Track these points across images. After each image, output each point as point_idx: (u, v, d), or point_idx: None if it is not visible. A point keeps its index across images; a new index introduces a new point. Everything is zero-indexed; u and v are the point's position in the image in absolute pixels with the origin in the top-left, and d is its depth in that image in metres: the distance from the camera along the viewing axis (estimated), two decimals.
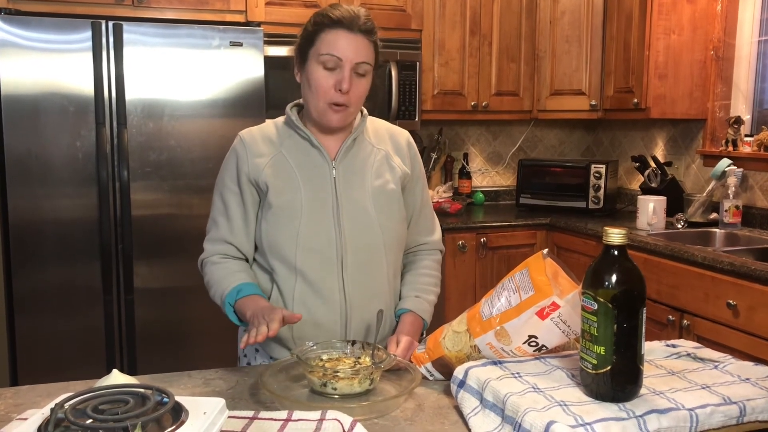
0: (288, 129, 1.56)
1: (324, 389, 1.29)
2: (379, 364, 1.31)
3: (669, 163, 3.49)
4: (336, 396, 1.29)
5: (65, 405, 0.91)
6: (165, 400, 0.95)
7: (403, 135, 1.65)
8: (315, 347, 1.40)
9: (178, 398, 0.97)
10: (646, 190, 3.43)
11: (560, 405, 1.09)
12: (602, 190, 3.52)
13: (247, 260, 1.57)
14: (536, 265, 1.30)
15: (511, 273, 1.35)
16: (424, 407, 1.26)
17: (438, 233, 1.71)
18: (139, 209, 2.73)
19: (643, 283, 1.13)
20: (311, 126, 1.55)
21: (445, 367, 1.38)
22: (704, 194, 3.20)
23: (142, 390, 0.96)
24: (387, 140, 1.61)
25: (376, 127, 1.63)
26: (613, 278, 1.11)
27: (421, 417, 1.22)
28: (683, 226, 3.11)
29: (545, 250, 1.33)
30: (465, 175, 3.94)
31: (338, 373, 1.28)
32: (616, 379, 1.11)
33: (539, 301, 1.25)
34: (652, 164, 3.46)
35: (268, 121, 1.61)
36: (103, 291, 2.73)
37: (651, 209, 3.07)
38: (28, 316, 2.67)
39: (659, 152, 3.68)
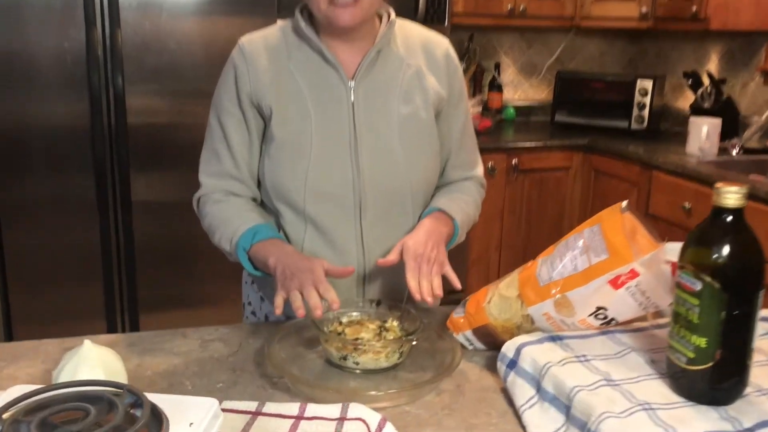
0: (297, 38, 1.26)
1: (344, 363, 1.07)
2: (411, 337, 1.07)
3: (723, 81, 3.15)
4: (358, 371, 1.07)
5: (5, 415, 0.68)
6: (139, 402, 0.72)
7: (441, 45, 1.33)
8: (333, 314, 1.17)
9: (158, 398, 0.74)
10: (696, 110, 3.10)
11: (644, 408, 0.86)
12: (647, 109, 3.20)
13: (254, 200, 1.32)
14: (612, 222, 1.04)
15: (578, 228, 1.09)
16: (464, 389, 1.04)
17: (481, 167, 1.44)
18: (135, 117, 2.46)
19: (763, 257, 0.87)
20: (324, 35, 1.24)
21: (488, 337, 1.14)
22: (763, 117, 2.88)
23: (109, 391, 0.73)
24: (419, 52, 1.30)
25: (407, 34, 1.32)
26: (726, 252, 0.85)
27: (461, 404, 1.00)
28: (738, 152, 2.81)
29: (624, 203, 1.06)
30: (495, 87, 3.60)
31: (361, 346, 1.05)
32: (718, 379, 0.87)
33: (615, 267, 1.00)
34: (706, 81, 3.11)
35: (275, 26, 1.29)
36: (98, 205, 2.51)
37: (704, 133, 2.76)
38: (17, 230, 2.46)
39: (713, 68, 3.32)
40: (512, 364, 1.02)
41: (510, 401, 1.01)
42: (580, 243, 1.05)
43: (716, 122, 2.80)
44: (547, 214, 3.11)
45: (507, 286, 1.12)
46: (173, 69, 2.46)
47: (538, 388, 0.97)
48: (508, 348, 1.04)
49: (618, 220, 1.03)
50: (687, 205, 2.52)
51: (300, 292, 1.07)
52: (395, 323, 1.16)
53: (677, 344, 0.90)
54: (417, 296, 1.12)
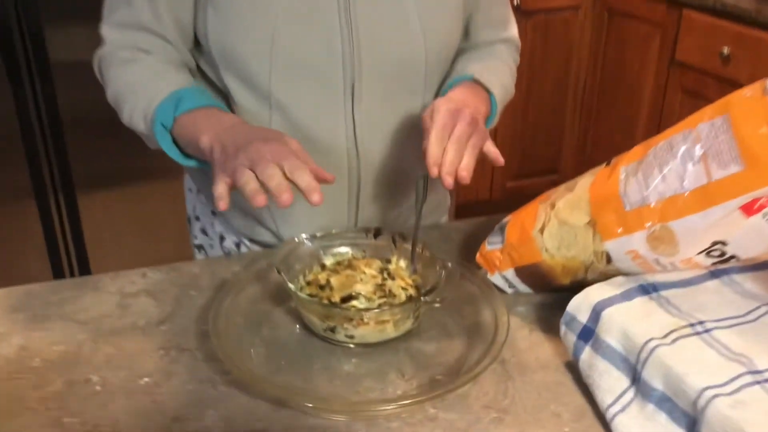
0: None
1: (331, 335, 0.72)
2: (428, 297, 0.71)
3: None
4: (352, 345, 0.72)
5: None
6: None
7: None
8: (311, 243, 0.79)
9: None
10: None
11: None
12: None
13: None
14: (749, 111, 0.65)
15: (687, 122, 0.70)
16: (511, 369, 0.70)
17: (515, 26, 1.02)
18: None
19: None
20: None
21: (538, 279, 0.79)
22: None
23: None
24: None
25: None
26: None
27: (513, 398, 0.66)
28: None
29: None
30: None
31: (359, 316, 0.69)
32: None
33: (753, 185, 0.63)
34: None
35: None
36: (7, 70, 2.04)
37: None
38: None
39: None
40: (587, 333, 0.68)
41: (585, 388, 0.67)
42: (692, 144, 0.67)
43: None
44: (552, 67, 2.68)
45: (570, 208, 0.75)
46: None
47: (636, 378, 0.63)
48: (578, 307, 0.70)
49: (760, 108, 0.65)
50: (725, 50, 2.11)
51: (251, 170, 0.66)
52: (402, 263, 0.80)
53: None
54: (434, 170, 0.73)
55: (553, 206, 0.77)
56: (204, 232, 1.04)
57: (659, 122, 2.40)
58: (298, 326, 0.75)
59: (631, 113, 2.53)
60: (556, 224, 0.76)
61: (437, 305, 0.70)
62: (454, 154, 0.73)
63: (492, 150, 0.79)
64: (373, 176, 0.89)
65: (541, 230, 0.77)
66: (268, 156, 0.66)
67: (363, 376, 0.69)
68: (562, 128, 2.74)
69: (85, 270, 2.15)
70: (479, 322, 0.74)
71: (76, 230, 2.20)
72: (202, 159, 0.76)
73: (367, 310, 0.70)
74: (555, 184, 0.83)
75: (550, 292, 0.80)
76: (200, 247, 1.05)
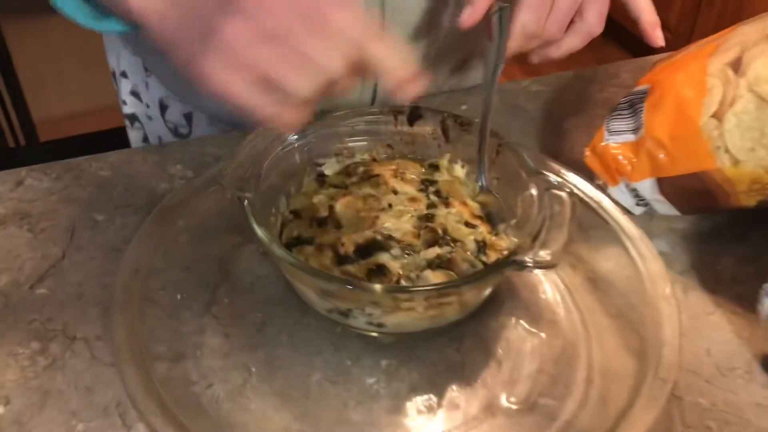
0: None
1: (344, 320, 0.39)
2: (522, 258, 0.36)
3: None
4: (375, 334, 0.40)
5: None
6: None
7: None
8: (296, 135, 0.44)
9: None
10: None
11: None
12: None
13: None
14: None
15: None
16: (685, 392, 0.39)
17: None
18: None
19: None
20: None
21: (697, 197, 0.45)
22: None
23: None
24: None
25: None
26: None
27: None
28: None
29: None
30: None
31: (392, 300, 0.36)
32: None
33: None
34: None
35: None
36: None
37: None
38: None
39: None
40: None
41: None
42: None
43: None
44: None
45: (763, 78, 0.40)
46: None
47: None
48: None
49: None
50: None
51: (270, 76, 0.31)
52: (459, 170, 0.45)
53: None
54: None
55: (741, 70, 0.41)
56: (136, 95, 0.68)
57: None
58: (301, 300, 0.42)
59: None
60: (751, 104, 0.41)
61: (547, 265, 0.37)
62: None
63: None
64: (400, 12, 0.52)
65: (717, 116, 0.42)
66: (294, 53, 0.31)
67: (398, 396, 0.38)
68: None
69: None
70: (616, 288, 0.41)
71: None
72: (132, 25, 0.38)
73: (408, 291, 0.37)
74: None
75: (710, 217, 0.48)
76: (133, 119, 0.70)
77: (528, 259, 0.35)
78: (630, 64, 0.64)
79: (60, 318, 0.41)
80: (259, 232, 0.37)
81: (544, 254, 0.36)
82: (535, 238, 0.36)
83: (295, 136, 0.43)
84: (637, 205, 0.48)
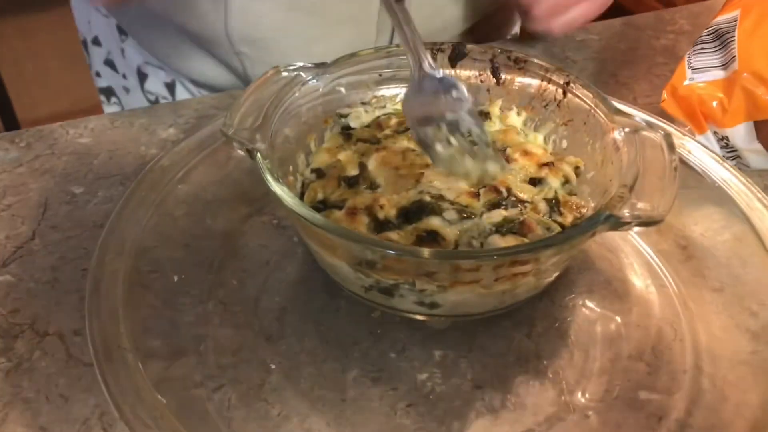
0: None
1: (385, 301, 0.31)
2: (638, 210, 0.29)
3: None
4: (422, 318, 0.31)
5: None
6: None
7: None
8: (316, 79, 0.36)
9: None
10: None
11: None
12: None
13: None
14: None
15: None
16: None
17: None
18: None
19: None
20: None
21: None
22: None
23: None
24: None
25: None
26: None
27: None
28: None
29: None
30: None
31: (453, 270, 0.28)
32: None
33: None
34: None
35: None
36: None
37: None
38: None
39: None
40: None
41: None
42: None
43: None
44: None
45: None
46: None
47: None
48: None
49: None
50: None
51: None
52: (516, 118, 0.37)
53: None
54: None
55: None
56: (111, 65, 0.60)
57: None
58: (304, 266, 0.34)
59: None
60: None
61: (651, 221, 0.28)
62: None
63: None
64: None
65: None
66: None
67: (458, 395, 0.30)
68: None
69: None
70: (715, 257, 0.34)
71: None
72: None
73: (479, 256, 0.29)
74: None
75: None
76: (109, 93, 0.62)
77: (626, 213, 0.27)
78: (685, 10, 0.56)
79: (28, 310, 0.33)
80: (278, 189, 0.28)
81: (645, 207, 0.28)
82: (631, 189, 0.28)
83: (313, 78, 0.35)
84: (729, 153, 0.40)
